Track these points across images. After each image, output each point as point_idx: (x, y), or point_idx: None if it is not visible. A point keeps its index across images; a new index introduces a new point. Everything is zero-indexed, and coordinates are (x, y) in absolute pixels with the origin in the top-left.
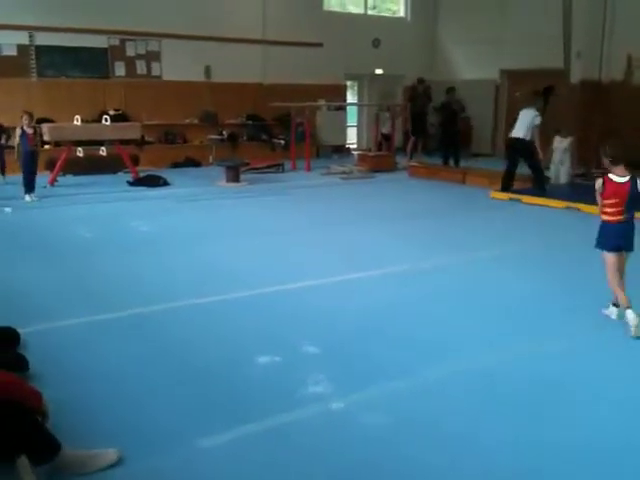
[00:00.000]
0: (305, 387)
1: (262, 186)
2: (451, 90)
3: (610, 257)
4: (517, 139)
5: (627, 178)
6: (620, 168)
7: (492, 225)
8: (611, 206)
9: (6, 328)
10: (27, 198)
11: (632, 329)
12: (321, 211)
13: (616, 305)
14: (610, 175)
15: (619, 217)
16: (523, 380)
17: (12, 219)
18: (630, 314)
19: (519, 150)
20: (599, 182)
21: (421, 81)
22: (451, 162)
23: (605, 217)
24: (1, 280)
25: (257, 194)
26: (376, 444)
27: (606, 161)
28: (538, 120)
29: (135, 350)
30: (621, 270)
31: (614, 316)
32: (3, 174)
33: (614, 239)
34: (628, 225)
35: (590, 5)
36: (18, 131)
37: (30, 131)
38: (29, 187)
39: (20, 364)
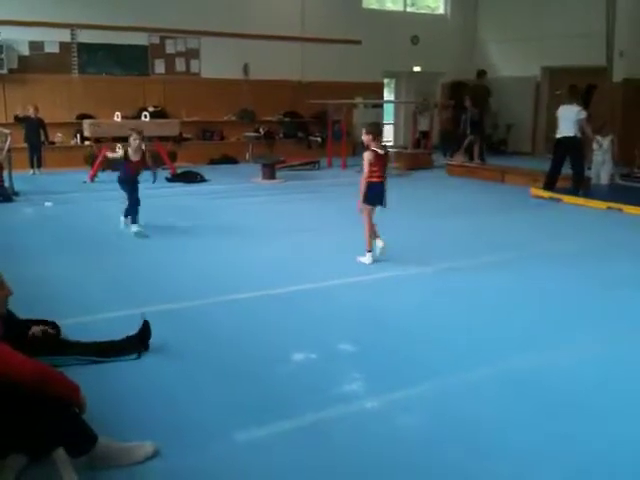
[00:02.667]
0: (340, 385)
1: (297, 183)
2: (481, 74)
3: (370, 209)
4: (567, 137)
5: (384, 150)
6: (378, 142)
7: (534, 224)
8: (378, 170)
9: (48, 322)
10: (133, 228)
11: (379, 250)
12: (356, 209)
13: (369, 252)
14: (374, 148)
15: (380, 179)
16: (563, 384)
17: (52, 213)
18: (379, 241)
19: (569, 148)
20: (370, 154)
21: (482, 73)
22: (475, 157)
23: (372, 179)
24: (41, 273)
25: (292, 191)
26: (410, 445)
27: (369, 137)
28: (583, 114)
29: (168, 345)
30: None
31: (368, 261)
32: (40, 167)
33: (375, 196)
34: (383, 185)
35: (634, 3)
36: (119, 152)
37: (136, 158)
38: (132, 216)
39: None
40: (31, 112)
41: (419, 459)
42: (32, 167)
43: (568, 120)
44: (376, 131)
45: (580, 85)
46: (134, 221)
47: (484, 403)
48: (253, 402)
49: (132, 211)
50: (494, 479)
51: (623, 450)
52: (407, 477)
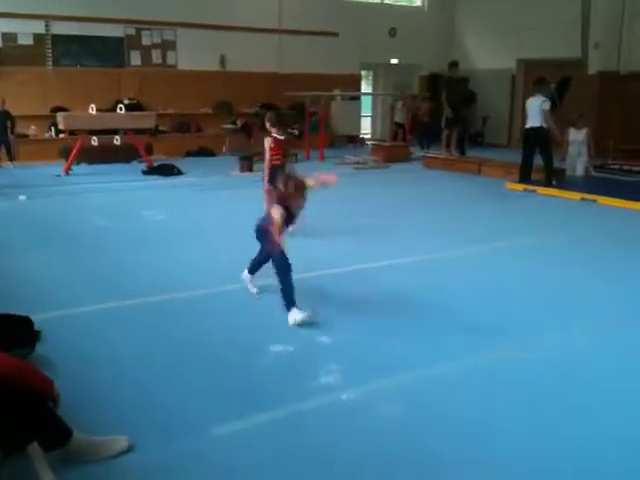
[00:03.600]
0: (318, 377)
1: None
2: (453, 66)
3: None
4: (533, 128)
5: (284, 137)
6: (278, 130)
7: (507, 216)
8: (277, 154)
9: (22, 317)
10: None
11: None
12: (333, 202)
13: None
14: (274, 135)
15: (281, 162)
16: (548, 373)
17: (26, 208)
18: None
19: (537, 139)
20: (270, 139)
21: (454, 65)
22: (452, 150)
23: (274, 163)
24: (15, 268)
25: None
26: (388, 435)
27: (270, 124)
28: (547, 105)
29: (146, 338)
30: None
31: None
32: (11, 160)
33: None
34: (284, 168)
35: None
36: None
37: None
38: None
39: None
40: None
41: (398, 449)
42: (9, 160)
43: (534, 111)
44: (276, 120)
45: (555, 77)
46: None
47: (464, 393)
48: (230, 395)
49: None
50: (475, 468)
51: (610, 442)
52: (386, 467)
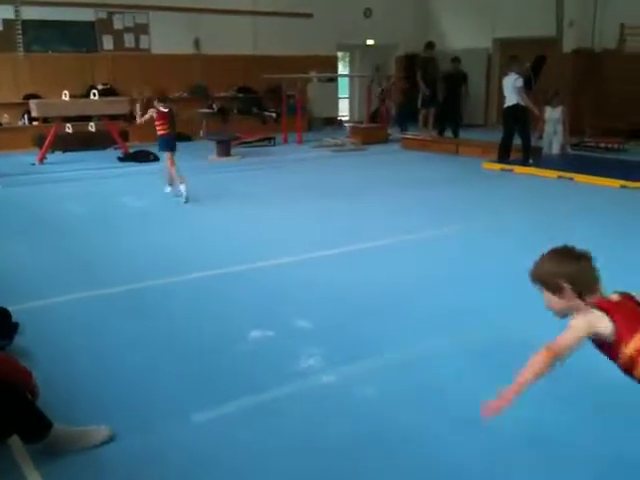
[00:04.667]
0: (298, 361)
1: (253, 160)
2: (456, 60)
3: (168, 154)
4: (510, 106)
5: (168, 109)
6: (163, 103)
7: (485, 195)
8: (162, 125)
9: None
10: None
11: (184, 197)
12: (312, 185)
13: (170, 185)
14: (160, 109)
15: (167, 131)
16: (517, 348)
17: (2, 197)
18: (182, 187)
19: (514, 117)
20: (153, 111)
21: (430, 46)
22: (447, 133)
23: (161, 132)
24: None
25: (248, 168)
26: (370, 416)
27: (156, 101)
28: (519, 82)
29: (126, 326)
30: (174, 165)
31: (168, 190)
32: None
33: (167, 145)
34: (171, 136)
35: None
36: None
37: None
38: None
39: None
40: None
41: (378, 431)
42: None
43: (509, 89)
44: (161, 94)
45: (531, 56)
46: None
47: (444, 372)
48: (210, 381)
49: None
50: (455, 447)
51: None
52: (369, 448)
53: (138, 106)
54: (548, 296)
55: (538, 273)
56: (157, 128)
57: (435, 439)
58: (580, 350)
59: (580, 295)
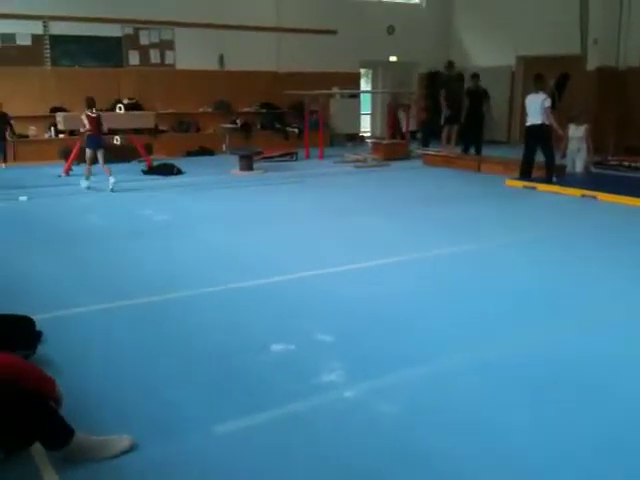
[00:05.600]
0: (319, 375)
1: (275, 175)
2: (476, 76)
3: (89, 151)
4: (535, 125)
5: (95, 115)
6: (90, 110)
7: (507, 213)
8: (90, 126)
9: (23, 317)
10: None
11: (111, 185)
12: (334, 200)
13: (87, 179)
14: (89, 114)
15: (94, 132)
16: (542, 367)
17: (28, 208)
18: (112, 179)
19: (538, 136)
20: (84, 116)
21: (451, 65)
22: (471, 150)
23: (88, 133)
24: (16, 268)
25: (270, 183)
26: (390, 432)
27: (86, 108)
28: (548, 102)
29: (149, 337)
30: (92, 159)
31: (84, 184)
32: (5, 161)
33: (93, 142)
34: (97, 137)
35: None
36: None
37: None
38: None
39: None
40: None
41: (400, 446)
42: (3, 161)
43: (535, 108)
44: (89, 102)
45: (554, 74)
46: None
47: (463, 389)
48: (232, 393)
49: None
50: (476, 463)
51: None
52: (389, 465)
53: (84, 117)
54: None
55: None
56: (87, 129)
57: (458, 456)
58: None
59: None
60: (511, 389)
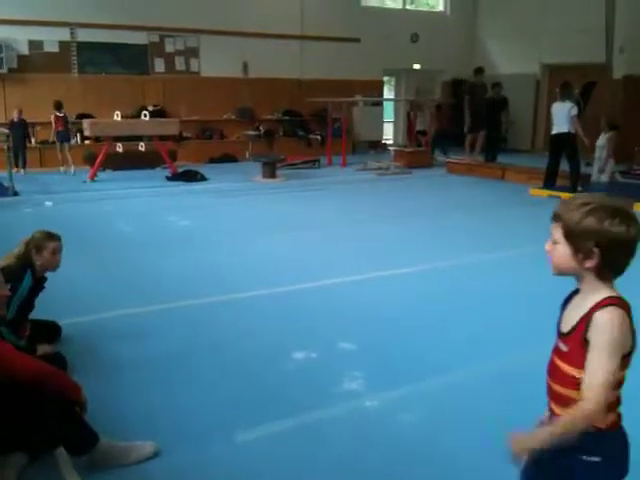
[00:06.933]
0: (341, 384)
1: (298, 182)
2: (497, 85)
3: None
4: (561, 133)
5: (62, 114)
6: (58, 111)
7: (530, 222)
8: (58, 124)
9: (48, 322)
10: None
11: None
12: (357, 207)
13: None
14: (57, 114)
15: (62, 128)
16: None
17: (53, 213)
18: (72, 167)
19: (564, 145)
20: (53, 116)
21: (480, 71)
22: (476, 154)
23: (57, 130)
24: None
25: (293, 190)
26: (411, 442)
27: (55, 109)
28: (575, 111)
29: (172, 343)
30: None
31: (62, 169)
32: (24, 167)
33: (62, 137)
34: (65, 131)
35: None
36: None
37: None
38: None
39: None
40: (15, 116)
41: (421, 456)
42: (17, 167)
43: (561, 117)
44: (57, 105)
45: (579, 82)
46: None
47: (487, 399)
48: (254, 401)
49: None
50: (502, 474)
51: None
52: (411, 475)
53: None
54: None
55: (571, 220)
56: (56, 126)
57: (482, 467)
58: None
59: (600, 272)
60: (535, 400)
